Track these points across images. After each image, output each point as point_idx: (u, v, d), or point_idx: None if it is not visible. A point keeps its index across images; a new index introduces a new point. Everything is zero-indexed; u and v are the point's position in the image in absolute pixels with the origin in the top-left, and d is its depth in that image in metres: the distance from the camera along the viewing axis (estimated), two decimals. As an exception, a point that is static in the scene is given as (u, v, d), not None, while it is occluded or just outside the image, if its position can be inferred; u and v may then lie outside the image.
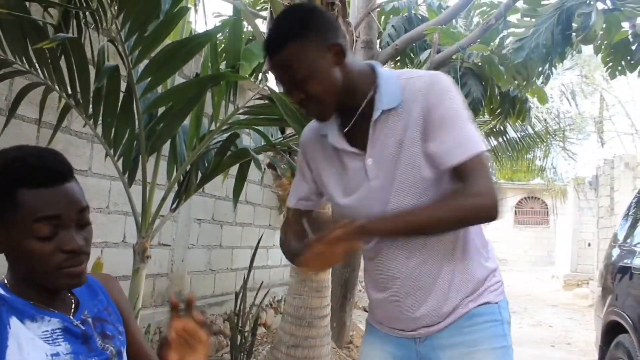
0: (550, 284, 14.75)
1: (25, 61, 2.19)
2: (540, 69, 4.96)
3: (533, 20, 4.52)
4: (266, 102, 2.40)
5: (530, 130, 8.55)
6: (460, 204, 1.35)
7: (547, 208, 20.28)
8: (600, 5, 4.12)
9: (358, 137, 1.47)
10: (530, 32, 4.37)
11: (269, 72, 1.64)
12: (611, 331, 3.77)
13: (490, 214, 1.34)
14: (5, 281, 1.14)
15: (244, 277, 4.10)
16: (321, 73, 1.39)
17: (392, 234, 1.41)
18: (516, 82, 5.16)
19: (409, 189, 1.42)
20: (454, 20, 5.89)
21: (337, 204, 1.56)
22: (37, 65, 2.21)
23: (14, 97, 2.80)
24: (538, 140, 8.86)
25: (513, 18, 4.85)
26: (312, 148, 1.60)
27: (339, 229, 1.30)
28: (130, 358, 1.30)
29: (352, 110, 1.47)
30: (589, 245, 14.30)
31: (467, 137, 1.38)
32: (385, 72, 1.49)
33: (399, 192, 1.42)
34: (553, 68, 5.00)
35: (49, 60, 2.20)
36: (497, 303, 1.52)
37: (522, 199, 21.05)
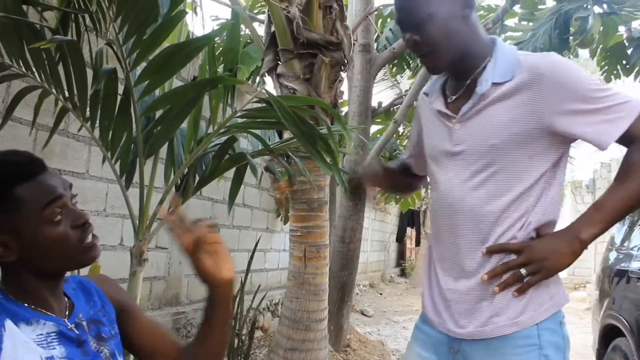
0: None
1: (22, 64, 2.19)
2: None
3: (530, 24, 4.54)
4: (264, 105, 2.39)
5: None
6: None
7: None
8: (597, 9, 4.14)
9: (459, 102, 1.44)
10: (528, 35, 4.39)
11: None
12: (608, 334, 3.77)
13: None
14: (0, 285, 1.14)
15: (241, 280, 4.10)
16: (444, 20, 1.36)
17: (606, 228, 1.37)
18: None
19: (485, 160, 1.38)
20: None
21: (428, 164, 1.58)
22: (34, 68, 2.21)
23: (9, 99, 2.81)
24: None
25: (510, 22, 4.86)
26: (421, 104, 1.63)
27: (561, 247, 1.35)
28: (146, 345, 1.30)
29: (461, 75, 1.45)
30: (586, 248, 14.31)
31: (612, 109, 1.32)
32: (506, 46, 1.45)
33: (474, 162, 1.39)
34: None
35: (46, 63, 2.20)
36: (537, 324, 1.38)
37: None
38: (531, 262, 1.33)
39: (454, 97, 1.46)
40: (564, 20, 4.12)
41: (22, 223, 1.08)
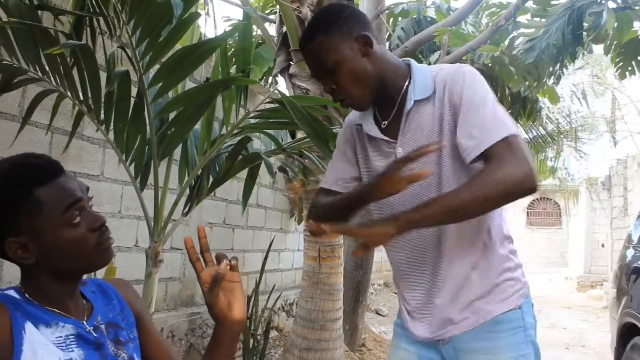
0: (563, 285, 14.63)
1: (38, 69, 2.21)
2: (551, 69, 4.93)
3: (543, 20, 4.49)
4: (276, 105, 2.40)
5: (542, 131, 8.51)
6: (493, 179, 1.29)
7: (559, 209, 20.16)
8: (611, 4, 4.09)
9: (392, 128, 1.52)
10: (541, 32, 4.35)
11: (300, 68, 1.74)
12: (627, 333, 3.73)
13: (525, 184, 1.29)
14: (20, 287, 1.15)
15: (256, 281, 4.11)
16: (349, 62, 1.45)
17: (429, 222, 1.38)
18: (527, 82, 5.13)
19: (434, 178, 1.45)
20: (462, 22, 5.88)
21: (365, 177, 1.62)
22: (49, 72, 2.23)
23: (26, 104, 2.84)
24: (549, 140, 8.81)
25: (523, 18, 4.82)
26: (352, 134, 1.66)
27: (380, 226, 1.32)
28: (149, 358, 1.31)
29: (387, 102, 1.53)
30: (603, 246, 14.18)
31: (488, 124, 1.36)
32: (420, 66, 1.54)
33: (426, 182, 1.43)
34: (564, 68, 4.97)
35: (61, 67, 2.22)
36: (519, 308, 1.51)
37: (534, 200, 20.90)
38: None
39: (386, 123, 1.54)
40: (577, 16, 4.07)
41: (41, 225, 1.09)
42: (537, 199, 20.97)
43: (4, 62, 2.15)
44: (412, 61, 1.55)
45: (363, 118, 1.60)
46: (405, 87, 1.50)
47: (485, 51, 5.10)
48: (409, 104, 1.47)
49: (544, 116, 7.55)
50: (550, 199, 20.61)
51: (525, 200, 20.55)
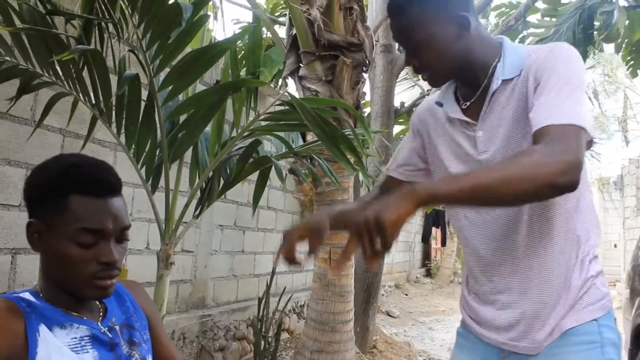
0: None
1: (51, 73, 2.23)
2: (561, 68, 4.90)
3: (554, 19, 4.48)
4: (287, 108, 2.40)
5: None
6: (525, 169, 1.10)
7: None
8: (622, 3, 4.07)
9: (474, 109, 1.40)
10: (552, 31, 4.33)
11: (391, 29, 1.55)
12: (640, 334, 3.71)
13: (568, 176, 1.10)
14: (37, 288, 1.16)
15: (267, 283, 4.12)
16: (439, 43, 1.33)
17: (455, 196, 1.11)
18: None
19: None
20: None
21: (439, 166, 1.49)
22: (62, 76, 2.25)
23: (37, 107, 2.86)
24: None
25: (533, 18, 4.81)
26: (426, 117, 1.54)
27: (394, 203, 1.06)
28: None
29: (472, 81, 1.40)
30: (615, 246, 14.09)
31: (560, 105, 1.19)
32: (514, 44, 1.41)
33: None
34: (575, 67, 4.94)
35: (73, 71, 2.23)
36: (596, 320, 1.31)
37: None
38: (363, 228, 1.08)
39: (468, 104, 1.42)
40: (588, 15, 4.05)
41: (56, 226, 1.10)
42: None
43: (20, 66, 2.17)
44: (506, 39, 1.42)
45: (443, 96, 1.48)
46: (493, 66, 1.36)
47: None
48: (495, 83, 1.33)
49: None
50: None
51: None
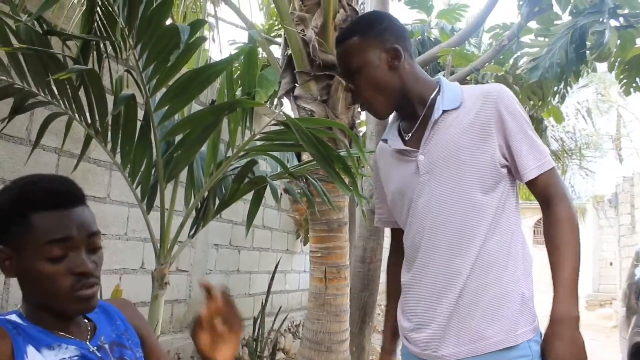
0: (572, 304, 14.46)
1: (47, 92, 2.24)
2: (555, 88, 4.95)
3: (546, 39, 4.52)
4: (282, 127, 2.41)
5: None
6: (570, 235, 1.47)
7: (566, 227, 19.99)
8: (613, 23, 4.11)
9: (415, 139, 1.55)
10: (544, 51, 4.37)
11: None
12: (637, 353, 3.70)
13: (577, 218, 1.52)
14: (21, 310, 1.15)
15: (262, 302, 4.10)
16: (372, 69, 1.51)
17: (577, 299, 1.47)
18: (531, 102, 5.15)
19: (455, 182, 1.47)
20: (465, 42, 5.92)
21: (389, 197, 1.64)
22: (58, 96, 2.26)
23: (33, 126, 2.86)
24: (554, 158, 8.80)
25: (526, 38, 4.85)
26: (380, 161, 1.71)
27: (565, 341, 1.39)
28: None
29: (411, 115, 1.57)
30: (611, 264, 14.09)
31: (539, 152, 1.48)
32: (449, 82, 1.58)
33: (444, 183, 1.48)
34: (568, 87, 4.98)
35: (69, 91, 2.24)
36: (528, 340, 1.45)
37: (540, 219, 20.68)
38: None
39: (410, 134, 1.57)
40: (580, 35, 4.09)
41: (23, 248, 1.09)
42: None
43: (15, 86, 2.18)
44: (443, 78, 1.60)
45: (389, 134, 1.63)
46: (431, 99, 1.53)
47: (489, 71, 5.13)
48: (437, 113, 1.49)
49: (549, 135, 7.54)
50: (557, 218, 20.48)
51: (532, 219, 20.45)
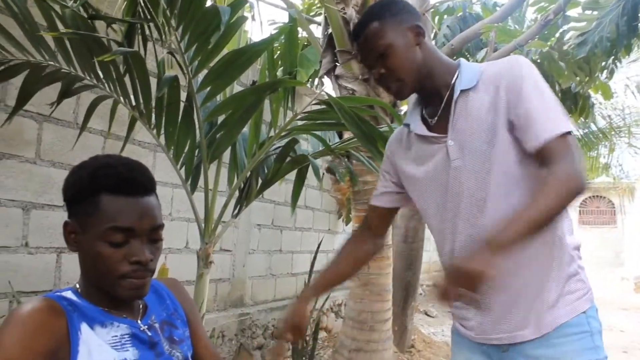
0: (619, 286, 14.15)
1: (93, 76, 2.28)
2: (603, 63, 4.79)
3: (595, 12, 4.37)
4: (323, 107, 2.40)
5: (593, 127, 8.25)
6: (558, 190, 1.29)
7: (613, 207, 19.51)
8: (667, -7, 3.95)
9: (441, 124, 1.52)
10: (593, 25, 4.23)
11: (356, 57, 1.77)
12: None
13: (581, 187, 1.30)
14: (77, 287, 1.18)
15: (305, 282, 4.13)
16: (400, 48, 1.50)
17: (517, 241, 1.27)
18: (578, 78, 5.00)
19: (490, 162, 1.43)
20: (508, 18, 5.77)
21: (414, 183, 1.60)
22: (103, 79, 2.29)
23: (80, 110, 2.93)
24: (601, 136, 8.55)
25: (573, 12, 4.70)
26: (396, 146, 1.68)
27: (472, 260, 1.24)
28: (197, 359, 1.32)
29: (435, 97, 1.54)
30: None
31: (549, 117, 1.37)
32: (469, 63, 1.55)
33: (478, 165, 1.44)
34: (617, 61, 4.82)
35: (114, 74, 2.28)
36: (584, 312, 1.44)
37: (586, 199, 20.24)
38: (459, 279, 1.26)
39: (434, 120, 1.55)
40: (632, 6, 3.94)
41: (88, 226, 1.12)
42: (589, 197, 20.30)
43: (62, 70, 2.23)
44: (463, 60, 1.57)
45: (411, 118, 1.60)
46: (453, 81, 1.51)
47: (534, 47, 4.99)
48: (456, 94, 1.48)
49: (596, 112, 7.33)
50: (604, 197, 19.95)
51: (577, 199, 19.92)
